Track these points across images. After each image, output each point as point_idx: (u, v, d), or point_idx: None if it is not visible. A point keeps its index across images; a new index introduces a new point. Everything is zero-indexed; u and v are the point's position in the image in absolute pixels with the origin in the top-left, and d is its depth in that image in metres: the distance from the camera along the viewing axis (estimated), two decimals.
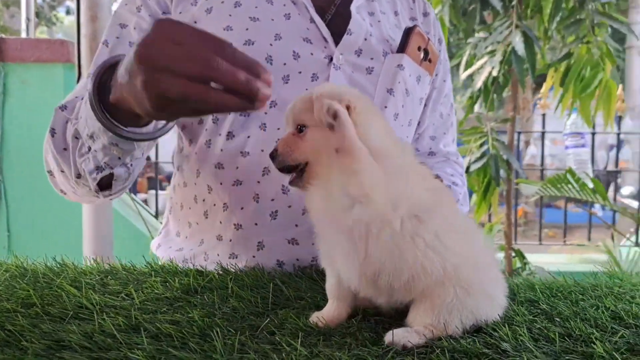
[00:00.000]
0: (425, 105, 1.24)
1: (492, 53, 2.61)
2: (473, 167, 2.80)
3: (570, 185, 2.89)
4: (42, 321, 0.61)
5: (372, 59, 1.09)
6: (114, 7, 1.65)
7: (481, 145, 2.80)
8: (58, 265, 0.88)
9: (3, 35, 3.01)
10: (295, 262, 1.01)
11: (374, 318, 0.72)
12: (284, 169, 0.70)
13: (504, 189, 2.94)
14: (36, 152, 3.46)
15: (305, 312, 0.73)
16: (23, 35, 3.39)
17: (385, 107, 1.09)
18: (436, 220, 0.66)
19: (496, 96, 2.77)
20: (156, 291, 0.76)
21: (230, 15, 1.03)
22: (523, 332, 0.66)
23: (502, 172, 2.74)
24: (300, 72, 1.02)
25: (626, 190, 6.78)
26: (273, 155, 0.70)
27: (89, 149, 0.90)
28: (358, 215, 0.63)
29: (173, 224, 1.18)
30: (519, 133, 3.77)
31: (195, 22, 1.03)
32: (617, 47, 2.75)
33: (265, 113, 1.01)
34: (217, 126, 1.04)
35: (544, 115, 3.52)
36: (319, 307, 0.75)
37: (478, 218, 2.95)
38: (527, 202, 7.26)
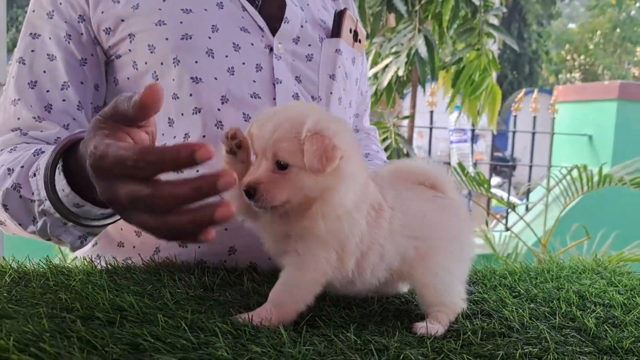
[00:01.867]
0: None
1: (396, 54, 2.79)
2: None
3: (458, 177, 3.19)
4: (98, 326, 0.59)
5: (309, 45, 1.10)
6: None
7: (384, 139, 2.98)
8: (46, 266, 0.83)
9: None
10: (268, 262, 1.01)
11: (385, 304, 0.79)
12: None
13: None
14: None
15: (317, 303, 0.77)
16: None
17: (331, 93, 1.11)
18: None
19: (397, 94, 2.96)
20: (178, 290, 0.76)
21: (160, 9, 0.98)
22: (523, 314, 0.77)
23: None
24: (243, 64, 1.01)
25: (494, 180, 7.56)
26: (250, 194, 0.65)
27: (64, 223, 0.85)
28: None
29: (114, 233, 1.07)
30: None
31: (123, 21, 0.98)
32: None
33: (219, 110, 0.98)
34: (173, 129, 1.00)
35: (432, 112, 3.82)
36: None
37: None
38: None
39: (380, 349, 0.62)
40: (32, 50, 0.99)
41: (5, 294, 0.67)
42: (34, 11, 1.01)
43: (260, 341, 0.60)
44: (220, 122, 0.99)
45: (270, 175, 0.65)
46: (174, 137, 1.01)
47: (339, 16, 1.14)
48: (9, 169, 0.89)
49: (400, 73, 2.73)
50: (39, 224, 0.87)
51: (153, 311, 0.65)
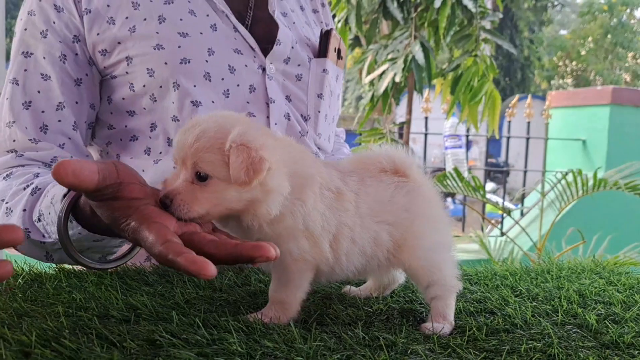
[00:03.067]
0: None
1: (393, 60, 2.82)
2: None
3: (454, 182, 3.21)
4: (114, 323, 0.60)
5: (299, 65, 1.12)
6: None
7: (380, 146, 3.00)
8: (57, 269, 0.84)
9: None
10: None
11: (390, 303, 0.81)
12: None
13: None
14: None
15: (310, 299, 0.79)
16: None
17: (319, 111, 1.14)
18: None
19: (394, 100, 2.98)
20: (188, 290, 0.77)
21: (157, 33, 0.99)
22: (525, 311, 0.79)
23: None
24: (238, 85, 1.03)
25: (488, 186, 7.60)
26: (166, 204, 0.63)
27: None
28: None
29: None
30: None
31: (120, 43, 0.99)
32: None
33: None
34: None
35: (426, 118, 3.85)
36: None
37: None
38: None
39: (389, 345, 0.64)
40: (25, 70, 0.99)
41: (20, 295, 0.69)
42: (25, 29, 1.00)
43: (272, 337, 0.61)
44: None
45: (188, 186, 0.63)
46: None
47: (326, 37, 1.16)
48: (7, 209, 0.89)
49: (398, 79, 2.75)
50: (56, 257, 0.89)
51: (166, 310, 0.66)
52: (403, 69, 2.72)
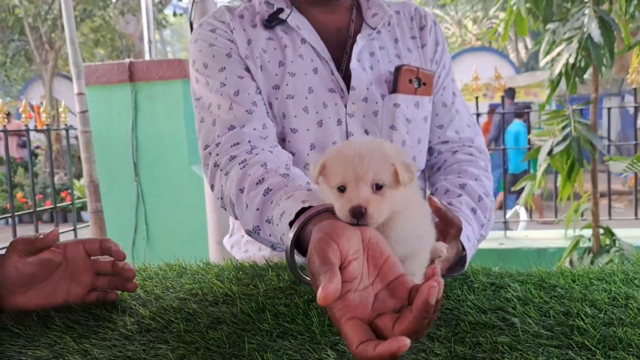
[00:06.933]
0: None
1: (569, 40, 2.70)
2: (556, 149, 2.91)
3: None
4: (206, 305, 0.97)
5: (376, 102, 1.33)
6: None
7: (563, 127, 2.90)
8: (204, 264, 1.26)
9: (132, 60, 3.57)
10: None
11: None
12: None
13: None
14: (164, 157, 4.02)
15: None
16: (147, 56, 3.93)
17: (392, 140, 1.32)
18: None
19: (578, 79, 2.84)
20: (272, 283, 1.10)
21: (276, 75, 1.30)
22: (530, 309, 0.92)
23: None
24: (329, 118, 1.30)
25: None
26: (362, 213, 0.77)
27: None
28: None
29: (238, 225, 1.43)
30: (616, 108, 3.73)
31: (256, 79, 1.31)
32: None
33: (308, 154, 1.29)
34: None
35: (635, 89, 3.49)
36: None
37: (564, 197, 3.06)
38: None
39: None
40: (226, 78, 1.33)
41: (167, 283, 1.11)
42: (214, 56, 1.34)
43: (296, 321, 0.90)
44: (308, 164, 1.28)
45: (374, 198, 0.80)
46: None
47: (396, 72, 1.34)
48: (246, 204, 1.14)
49: (572, 60, 2.63)
50: (278, 250, 1.13)
51: (243, 297, 1.00)
52: (577, 49, 2.59)
